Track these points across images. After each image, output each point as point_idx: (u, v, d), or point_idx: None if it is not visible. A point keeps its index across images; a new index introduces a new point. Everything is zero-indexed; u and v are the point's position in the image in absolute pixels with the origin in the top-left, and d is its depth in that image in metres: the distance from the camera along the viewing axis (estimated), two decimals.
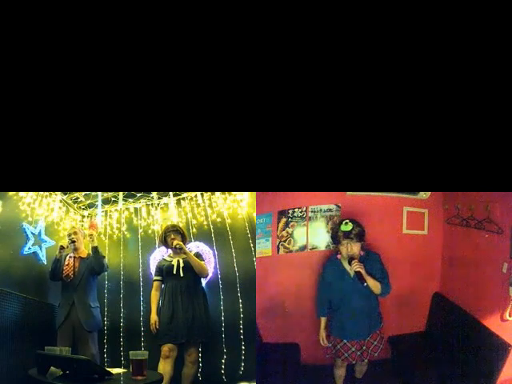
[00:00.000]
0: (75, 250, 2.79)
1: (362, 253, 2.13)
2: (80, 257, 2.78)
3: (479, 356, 1.94)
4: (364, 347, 2.18)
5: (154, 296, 2.69)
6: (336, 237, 2.15)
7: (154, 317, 2.61)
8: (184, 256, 2.66)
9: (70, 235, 2.80)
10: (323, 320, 2.25)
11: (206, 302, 2.68)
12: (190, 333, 2.52)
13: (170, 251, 2.81)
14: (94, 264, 2.73)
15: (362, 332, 2.19)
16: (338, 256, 2.19)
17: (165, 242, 2.74)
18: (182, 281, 2.61)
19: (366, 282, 2.03)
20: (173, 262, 2.66)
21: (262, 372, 2.31)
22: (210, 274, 3.08)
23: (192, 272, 2.62)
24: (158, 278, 2.72)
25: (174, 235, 2.69)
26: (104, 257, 2.82)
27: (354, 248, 2.09)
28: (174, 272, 2.61)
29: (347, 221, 2.10)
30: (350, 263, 2.09)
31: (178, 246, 2.62)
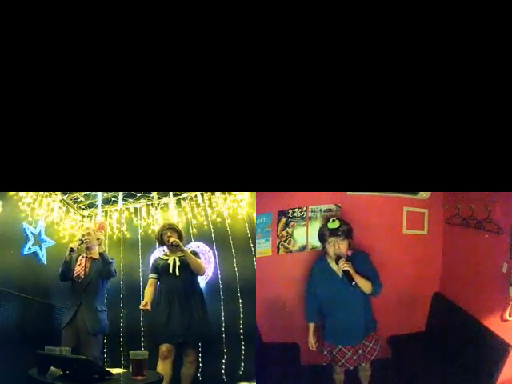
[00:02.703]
0: (87, 250, 2.79)
1: (349, 252, 2.06)
2: (92, 257, 2.78)
3: (479, 356, 1.94)
4: (360, 351, 2.14)
5: (149, 291, 2.60)
6: (323, 235, 2.08)
7: (144, 300, 2.51)
8: (180, 254, 2.62)
9: (83, 236, 2.79)
10: (311, 326, 2.20)
11: (204, 302, 2.64)
12: (188, 332, 2.48)
13: (165, 250, 2.79)
14: (102, 269, 2.74)
15: (357, 335, 2.14)
16: (326, 256, 2.13)
17: (161, 239, 2.71)
18: (179, 280, 2.57)
19: (354, 281, 1.96)
20: (169, 261, 2.61)
21: (262, 372, 2.31)
22: (210, 274, 3.08)
23: (188, 271, 2.59)
24: (154, 275, 2.66)
25: (170, 233, 2.65)
26: (111, 262, 2.80)
27: (341, 246, 2.03)
28: (170, 271, 2.57)
29: (334, 218, 2.05)
30: (337, 262, 2.01)
31: (174, 243, 2.58)
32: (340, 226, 2.02)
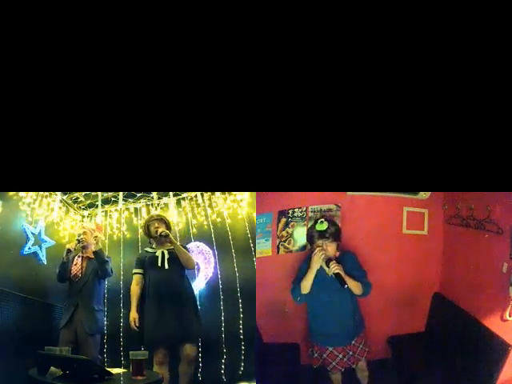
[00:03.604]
0: (83, 249, 2.77)
1: (337, 253, 2.05)
2: (88, 257, 2.76)
3: (479, 356, 1.94)
4: (350, 352, 2.13)
5: (135, 291, 2.44)
6: (311, 237, 2.07)
7: (133, 314, 2.38)
8: (169, 246, 2.49)
9: (79, 235, 2.77)
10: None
11: (195, 297, 2.55)
12: (183, 331, 2.33)
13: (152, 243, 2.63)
14: (98, 268, 2.71)
15: (347, 337, 2.13)
16: None
17: (148, 231, 2.57)
18: (168, 273, 2.41)
19: (346, 284, 1.94)
20: (157, 254, 2.46)
21: (262, 372, 2.31)
22: (210, 274, 3.08)
23: (177, 264, 2.44)
24: (139, 270, 2.48)
25: (158, 224, 2.51)
26: (107, 261, 2.74)
27: (330, 248, 2.01)
28: (159, 264, 2.42)
29: (322, 220, 2.04)
30: (327, 265, 1.98)
31: (163, 234, 2.43)
32: (328, 228, 2.01)
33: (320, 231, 2.02)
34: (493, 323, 1.94)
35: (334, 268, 1.95)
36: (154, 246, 2.58)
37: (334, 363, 2.15)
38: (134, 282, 2.49)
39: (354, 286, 2.00)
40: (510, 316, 1.85)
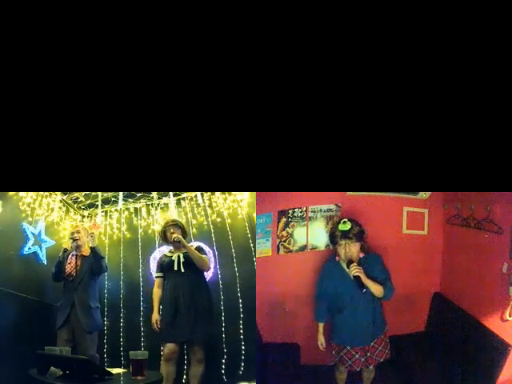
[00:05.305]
0: (78, 248, 2.77)
1: (361, 254, 2.02)
2: (82, 255, 2.77)
3: (479, 356, 1.94)
4: (368, 353, 2.10)
5: (156, 294, 2.63)
6: (334, 236, 2.03)
7: (155, 315, 2.56)
8: (184, 250, 2.60)
9: (72, 234, 2.78)
10: (321, 325, 2.17)
11: (210, 298, 2.61)
12: (194, 331, 2.44)
13: (170, 247, 2.76)
14: (93, 264, 2.72)
15: (366, 337, 2.09)
16: (337, 258, 2.08)
17: (164, 237, 2.69)
18: (184, 276, 2.54)
19: (365, 288, 1.91)
20: (173, 258, 2.59)
21: (262, 372, 2.31)
22: (210, 274, 3.08)
23: (193, 267, 2.55)
24: (160, 274, 2.66)
25: (173, 229, 2.64)
26: (103, 257, 2.79)
27: (353, 249, 1.98)
28: (175, 268, 2.55)
29: (345, 220, 1.99)
30: (348, 266, 1.96)
31: (176, 239, 2.56)
32: (351, 228, 1.97)
33: (343, 231, 1.97)
34: (493, 323, 1.95)
35: (354, 271, 1.93)
36: (172, 250, 2.72)
37: (350, 362, 2.11)
38: (155, 285, 2.67)
39: (376, 289, 1.97)
40: (510, 316, 1.85)
